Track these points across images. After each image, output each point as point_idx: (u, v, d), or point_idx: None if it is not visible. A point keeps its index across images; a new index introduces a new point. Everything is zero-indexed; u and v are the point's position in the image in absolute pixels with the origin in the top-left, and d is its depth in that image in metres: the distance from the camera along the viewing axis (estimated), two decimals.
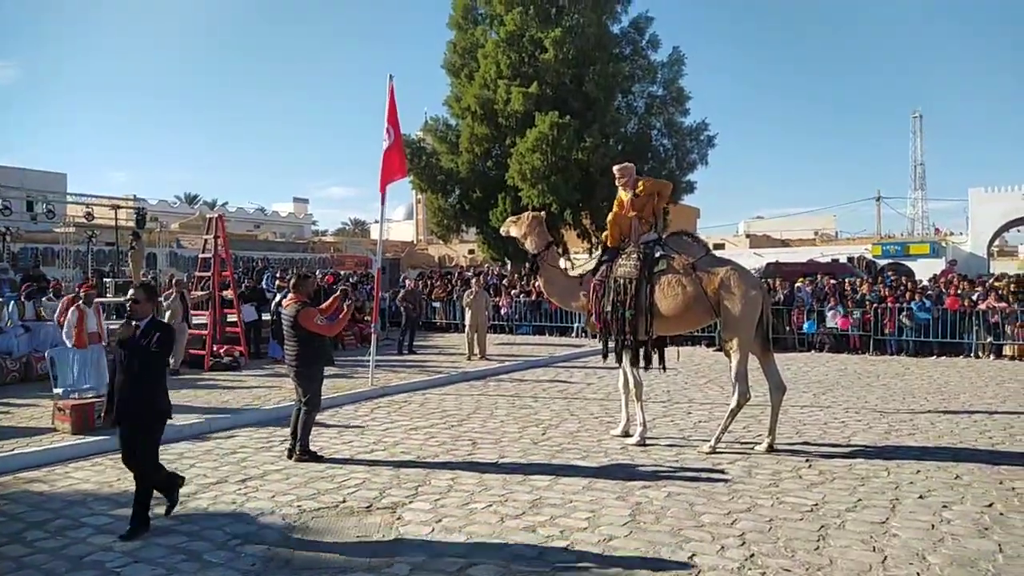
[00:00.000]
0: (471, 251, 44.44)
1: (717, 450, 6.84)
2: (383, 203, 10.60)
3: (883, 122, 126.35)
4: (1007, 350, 14.48)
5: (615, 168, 7.61)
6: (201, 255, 14.27)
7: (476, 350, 14.07)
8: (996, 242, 42.93)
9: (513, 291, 21.08)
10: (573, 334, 18.30)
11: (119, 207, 22.79)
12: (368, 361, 10.91)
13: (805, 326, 15.95)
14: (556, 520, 4.95)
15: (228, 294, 13.61)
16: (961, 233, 41.80)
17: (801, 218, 59.98)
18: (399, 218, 70.60)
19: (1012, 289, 15.69)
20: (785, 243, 47.05)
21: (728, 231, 56.78)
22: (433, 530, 4.79)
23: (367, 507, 5.28)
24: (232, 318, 13.68)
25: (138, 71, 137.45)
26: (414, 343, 15.25)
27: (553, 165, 24.09)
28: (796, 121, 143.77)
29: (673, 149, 27.36)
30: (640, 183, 7.38)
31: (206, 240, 13.93)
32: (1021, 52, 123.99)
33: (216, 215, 14.37)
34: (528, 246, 8.09)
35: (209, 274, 13.62)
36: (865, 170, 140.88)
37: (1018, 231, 45.02)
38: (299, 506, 5.33)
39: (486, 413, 8.87)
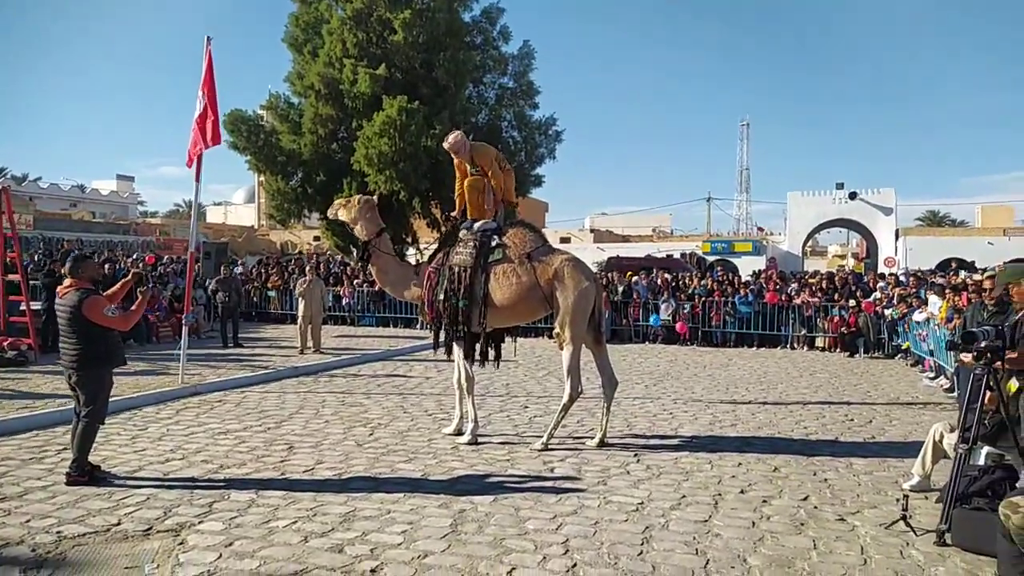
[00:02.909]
0: (316, 238, 42.44)
1: (549, 447, 6.62)
2: (197, 179, 9.45)
3: (714, 128, 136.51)
4: (819, 341, 15.70)
5: (446, 144, 7.13)
6: None
7: (309, 343, 13.21)
8: (809, 242, 47.20)
9: (356, 280, 20.20)
10: (418, 326, 17.73)
11: None
12: (179, 355, 9.76)
13: (652, 319, 16.40)
14: (368, 536, 4.43)
15: (15, 278, 11.86)
16: (780, 233, 45.49)
17: (640, 215, 63.33)
18: (240, 201, 66.31)
19: (824, 285, 17.04)
20: (626, 239, 49.13)
21: (575, 226, 58.36)
22: (221, 556, 4.12)
23: (145, 530, 4.50)
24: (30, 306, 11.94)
25: None
26: (239, 335, 14.04)
27: (402, 151, 23.26)
28: (638, 126, 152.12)
29: (523, 142, 27.35)
30: (478, 157, 7.03)
31: None
32: (834, 65, 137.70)
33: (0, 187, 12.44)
34: (358, 232, 7.50)
35: None
36: (698, 173, 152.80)
37: (828, 232, 49.85)
38: (59, 532, 4.45)
39: (310, 412, 8.15)
